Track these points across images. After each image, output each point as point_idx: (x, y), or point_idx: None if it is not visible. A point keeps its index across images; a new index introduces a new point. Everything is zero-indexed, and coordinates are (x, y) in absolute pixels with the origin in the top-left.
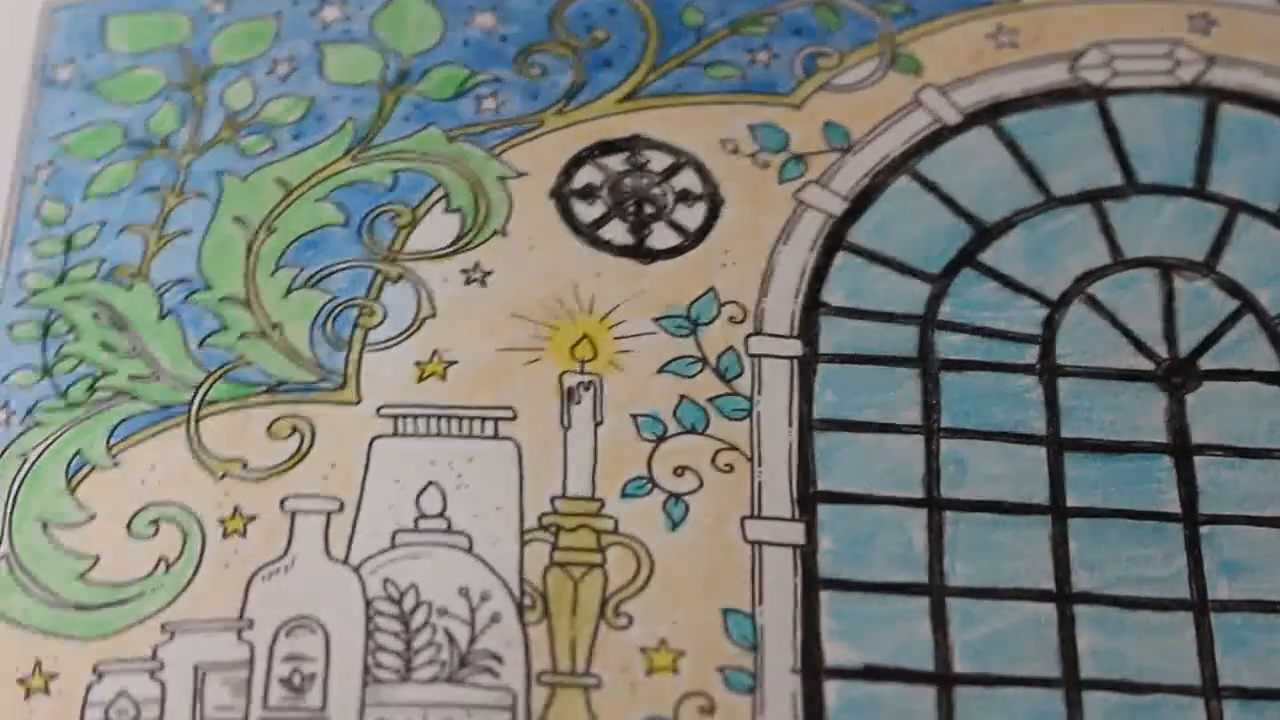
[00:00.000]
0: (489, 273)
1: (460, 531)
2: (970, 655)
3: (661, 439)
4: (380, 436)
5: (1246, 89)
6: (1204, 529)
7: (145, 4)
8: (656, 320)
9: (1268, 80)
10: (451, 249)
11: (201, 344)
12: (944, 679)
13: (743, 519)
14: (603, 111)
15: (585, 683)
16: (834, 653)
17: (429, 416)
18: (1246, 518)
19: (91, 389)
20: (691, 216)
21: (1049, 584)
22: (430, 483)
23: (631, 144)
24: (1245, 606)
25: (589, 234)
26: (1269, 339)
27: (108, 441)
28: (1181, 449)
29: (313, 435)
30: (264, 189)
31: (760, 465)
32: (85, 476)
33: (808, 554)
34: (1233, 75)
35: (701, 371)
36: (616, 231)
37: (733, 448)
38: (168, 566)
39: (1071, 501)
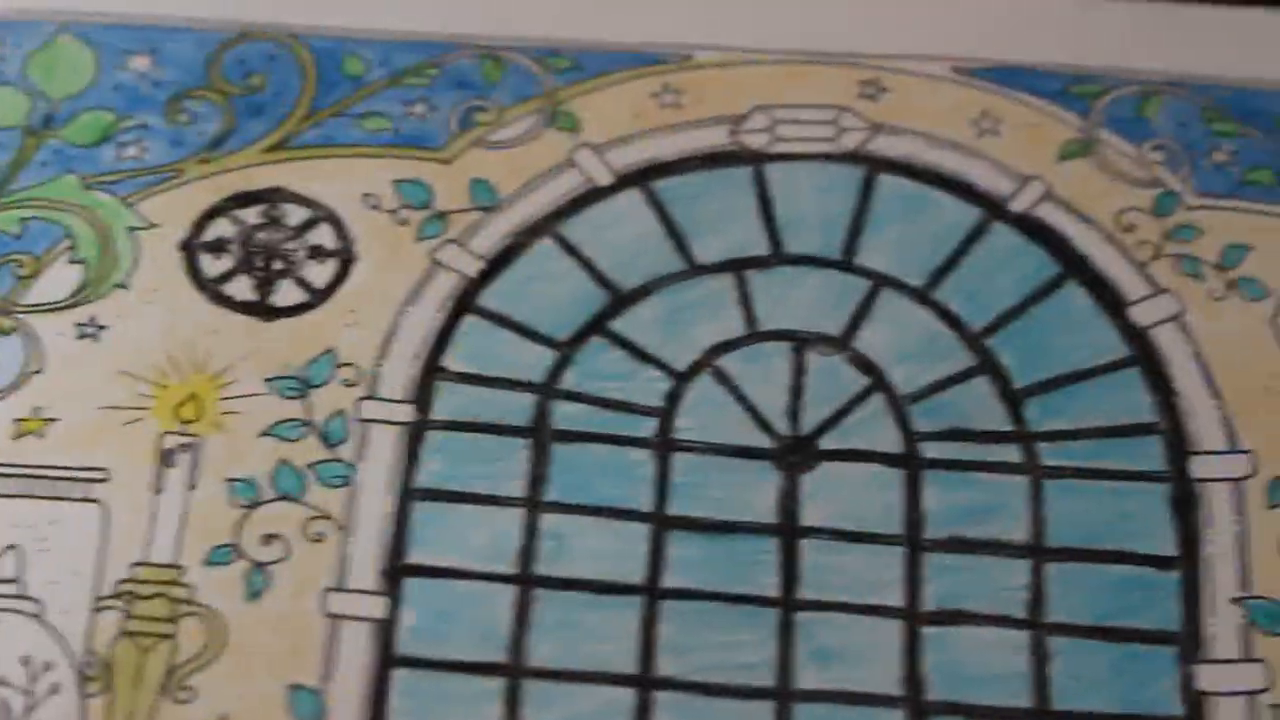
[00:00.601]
0: (103, 327)
1: (33, 598)
2: None
3: (254, 505)
4: None
5: (908, 159)
6: (801, 614)
7: None
8: (268, 381)
9: (931, 151)
10: (70, 302)
11: None
12: None
13: (325, 591)
14: (247, 161)
15: None
16: None
17: (17, 476)
18: (845, 605)
19: None
20: (321, 274)
21: (633, 667)
22: (10, 545)
23: (271, 196)
24: (833, 696)
25: (212, 289)
26: (895, 419)
27: None
28: (790, 530)
29: None
30: None
31: (352, 535)
32: None
33: (387, 629)
34: (897, 144)
35: (306, 436)
36: (241, 287)
37: (326, 516)
38: None
39: (671, 582)
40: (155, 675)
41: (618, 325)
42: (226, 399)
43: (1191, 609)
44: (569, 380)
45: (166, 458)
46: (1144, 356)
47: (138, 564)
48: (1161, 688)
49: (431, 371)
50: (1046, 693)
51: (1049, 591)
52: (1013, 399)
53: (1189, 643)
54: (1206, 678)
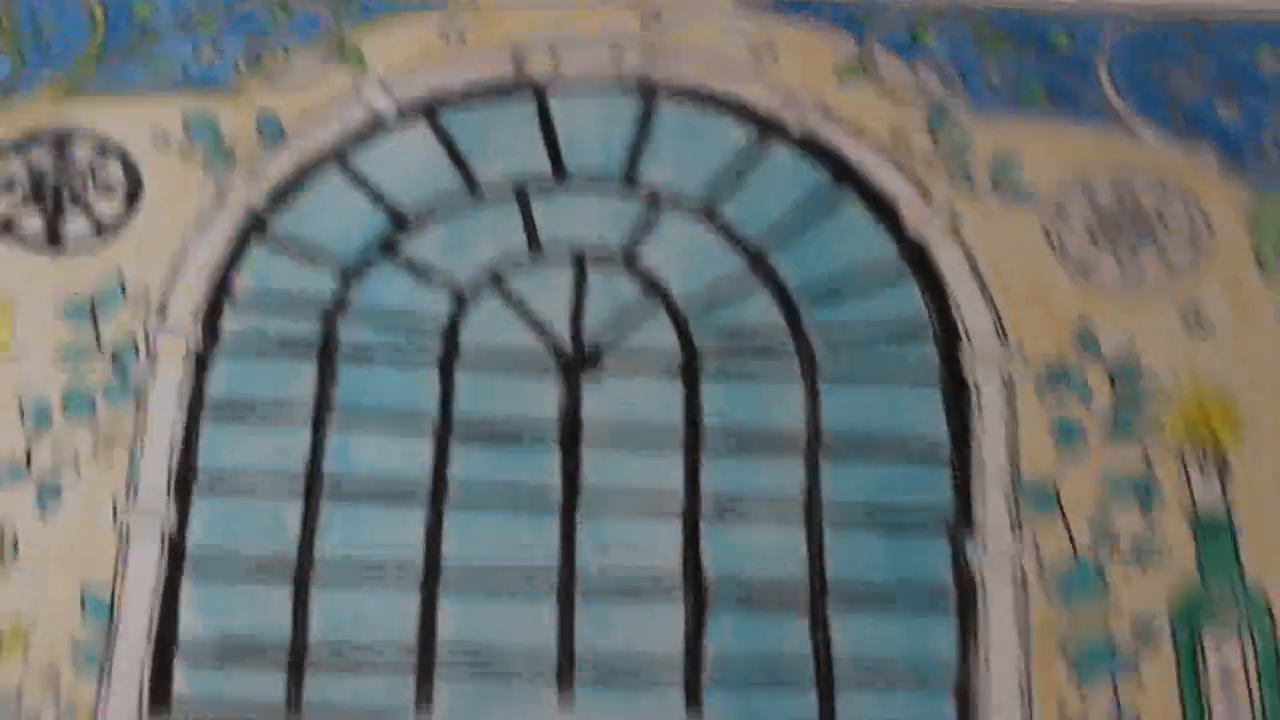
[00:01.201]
0: None
1: None
2: (329, 633)
3: (46, 425)
4: None
5: (687, 85)
6: (583, 512)
7: None
8: (59, 310)
9: (711, 75)
10: None
11: None
12: (296, 653)
13: (115, 503)
14: (39, 103)
15: None
16: (190, 629)
17: None
18: (626, 498)
19: None
20: (111, 207)
21: (417, 565)
22: None
23: (62, 135)
24: (610, 588)
25: (2, 223)
26: (675, 329)
27: None
28: (572, 437)
29: None
30: None
31: (142, 453)
32: None
33: (176, 537)
34: (675, 70)
35: (95, 361)
36: (30, 223)
37: (115, 436)
38: None
39: (456, 487)
40: None
41: (404, 249)
42: (18, 328)
43: (963, 491)
44: (355, 303)
45: None
46: (918, 263)
47: None
48: (935, 563)
49: (220, 298)
50: (821, 574)
51: (827, 481)
52: (791, 308)
53: (960, 521)
54: (977, 556)
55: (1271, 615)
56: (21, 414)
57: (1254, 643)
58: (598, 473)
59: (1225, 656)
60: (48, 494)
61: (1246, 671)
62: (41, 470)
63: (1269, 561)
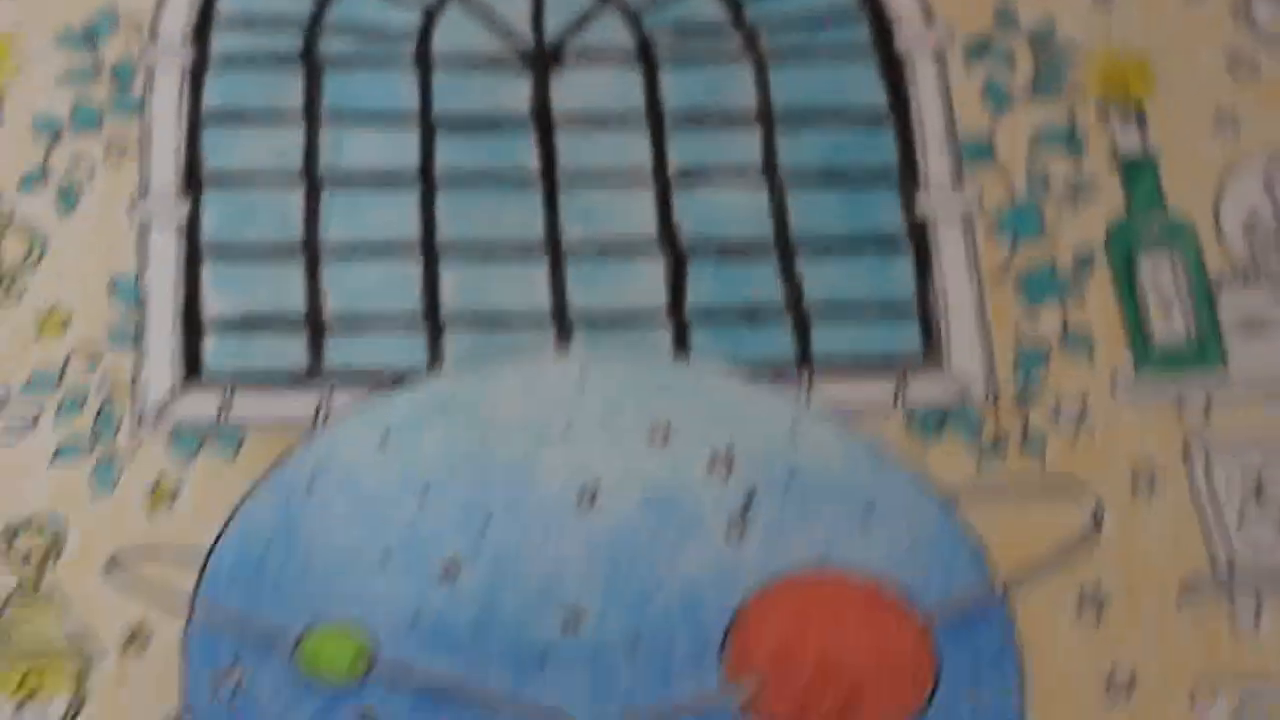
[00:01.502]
0: None
1: None
2: (342, 302)
3: (57, 137)
4: None
5: None
6: (562, 186)
7: None
8: (57, 38)
9: None
10: None
11: None
12: (315, 323)
13: (132, 200)
14: None
15: None
16: (213, 307)
17: None
18: (600, 174)
19: None
20: None
21: (416, 242)
22: None
23: None
24: (595, 249)
25: None
26: (627, 23)
27: None
28: (545, 124)
29: None
30: None
31: (150, 156)
32: None
33: (192, 227)
34: None
35: (98, 78)
36: None
37: (125, 141)
38: None
39: (442, 174)
40: None
41: None
42: (23, 52)
43: (907, 151)
44: (332, 15)
45: None
46: None
47: None
48: (887, 215)
49: (208, 16)
50: (787, 228)
51: (783, 148)
52: (733, 2)
53: (907, 177)
54: (925, 204)
55: (1194, 235)
56: (34, 131)
57: (1182, 261)
58: (572, 153)
59: (1158, 275)
60: (67, 197)
61: (1176, 285)
62: (59, 176)
63: (1188, 193)
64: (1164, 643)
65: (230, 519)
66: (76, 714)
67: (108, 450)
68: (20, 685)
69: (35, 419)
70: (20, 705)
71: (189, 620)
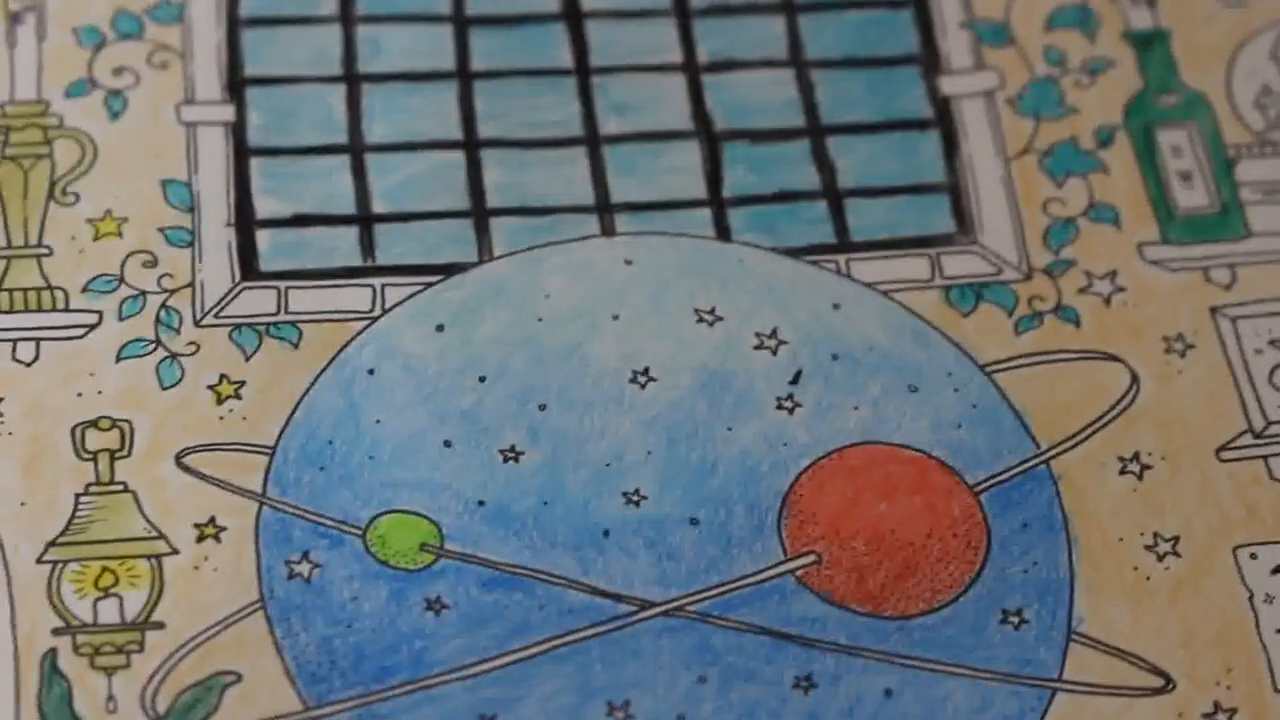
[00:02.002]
0: None
1: None
2: (389, 198)
3: (100, 46)
4: None
5: None
6: (595, 79)
7: None
8: None
9: None
10: None
11: None
12: (364, 219)
13: (177, 105)
14: None
15: (38, 252)
16: (264, 207)
17: None
18: (631, 66)
19: None
20: None
21: (458, 135)
22: None
23: None
24: (634, 138)
25: None
26: None
27: None
28: (573, 13)
29: None
30: None
31: (193, 61)
32: None
33: (238, 129)
34: None
35: None
36: None
37: (166, 47)
38: None
39: (476, 67)
40: (40, 186)
41: None
42: None
43: (927, 35)
44: None
45: (16, 17)
46: None
47: (6, 103)
48: (912, 97)
49: None
50: (816, 113)
51: (807, 35)
52: None
53: (929, 60)
54: (948, 85)
55: (1208, 104)
56: (77, 38)
57: (1200, 133)
58: (603, 46)
59: (1176, 143)
60: (115, 101)
61: (1196, 157)
62: (105, 81)
63: (1199, 66)
64: (1204, 503)
65: (294, 409)
66: (154, 605)
67: (170, 347)
68: (99, 580)
69: (99, 319)
70: (99, 599)
71: (260, 509)
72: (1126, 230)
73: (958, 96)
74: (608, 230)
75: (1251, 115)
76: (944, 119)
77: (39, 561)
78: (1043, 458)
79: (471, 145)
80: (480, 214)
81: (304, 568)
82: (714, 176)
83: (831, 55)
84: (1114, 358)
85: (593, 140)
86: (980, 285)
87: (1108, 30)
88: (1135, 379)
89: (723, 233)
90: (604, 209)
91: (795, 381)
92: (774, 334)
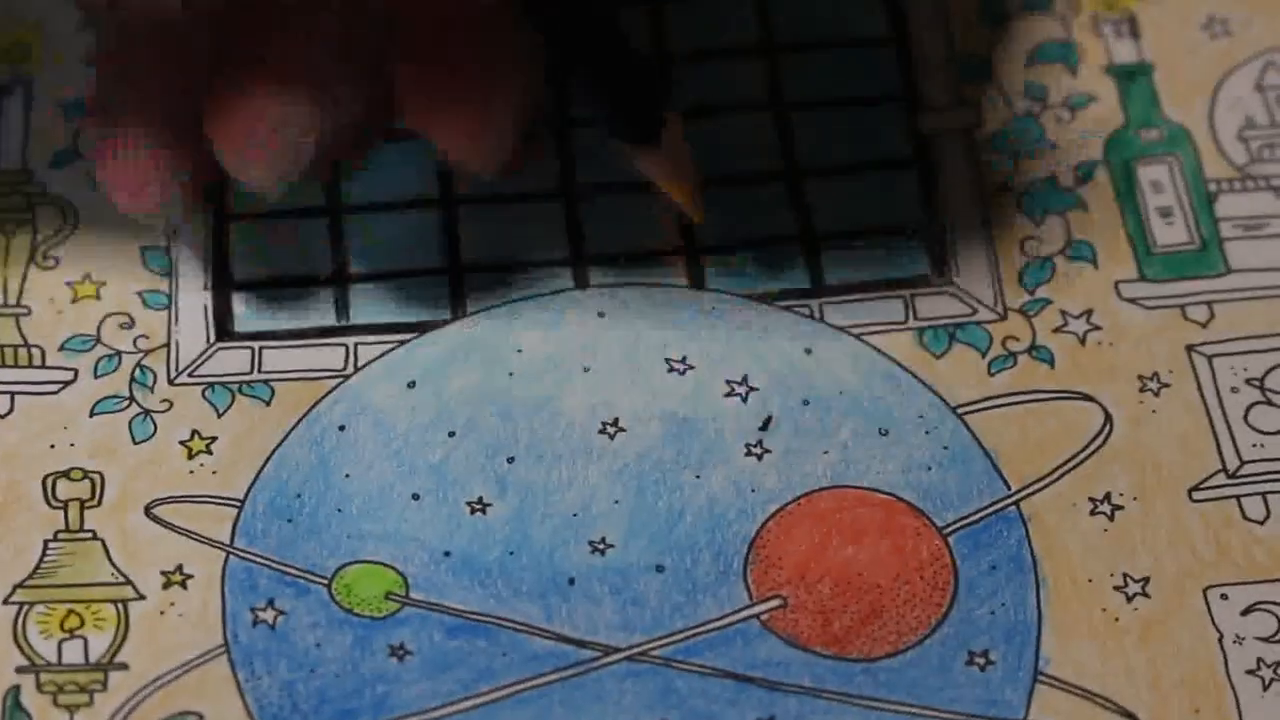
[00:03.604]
0: None
1: None
2: (365, 258)
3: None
4: None
5: None
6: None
7: None
8: (79, 21)
9: None
10: None
11: None
12: (340, 279)
13: None
14: None
15: (17, 312)
16: (241, 270)
17: None
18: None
19: None
20: None
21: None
22: None
23: None
24: (608, 189)
25: None
26: None
27: None
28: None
29: None
30: None
31: None
32: None
33: (220, 189)
34: None
35: None
36: None
37: None
38: None
39: None
40: (22, 250)
41: None
42: (51, 37)
43: (907, 73)
44: None
45: (4, 89)
46: None
47: None
48: (891, 137)
49: None
50: (794, 156)
51: (784, 80)
52: None
53: (908, 99)
54: (927, 123)
55: (1190, 138)
56: (63, 111)
57: (1181, 168)
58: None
59: (1156, 178)
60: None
61: (1175, 188)
62: (88, 156)
63: (1181, 100)
64: (1175, 544)
65: (264, 464)
66: (119, 647)
67: (144, 404)
68: (64, 621)
69: (74, 375)
70: (64, 640)
71: (226, 559)
72: (1104, 268)
73: (936, 133)
74: (581, 282)
75: (1234, 148)
76: (921, 155)
77: (5, 603)
78: (1012, 499)
79: (449, 203)
80: (454, 274)
81: (269, 614)
82: (688, 226)
83: (810, 100)
84: (1088, 397)
85: (569, 192)
86: (954, 326)
87: (1089, 64)
88: (1109, 418)
89: (695, 280)
90: (577, 263)
91: (765, 428)
92: (744, 381)
